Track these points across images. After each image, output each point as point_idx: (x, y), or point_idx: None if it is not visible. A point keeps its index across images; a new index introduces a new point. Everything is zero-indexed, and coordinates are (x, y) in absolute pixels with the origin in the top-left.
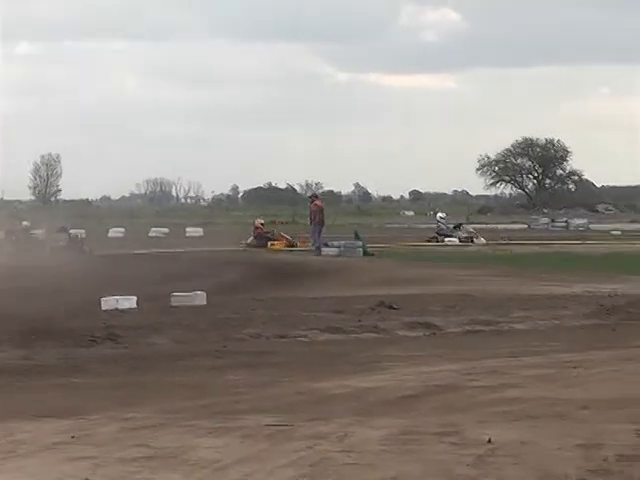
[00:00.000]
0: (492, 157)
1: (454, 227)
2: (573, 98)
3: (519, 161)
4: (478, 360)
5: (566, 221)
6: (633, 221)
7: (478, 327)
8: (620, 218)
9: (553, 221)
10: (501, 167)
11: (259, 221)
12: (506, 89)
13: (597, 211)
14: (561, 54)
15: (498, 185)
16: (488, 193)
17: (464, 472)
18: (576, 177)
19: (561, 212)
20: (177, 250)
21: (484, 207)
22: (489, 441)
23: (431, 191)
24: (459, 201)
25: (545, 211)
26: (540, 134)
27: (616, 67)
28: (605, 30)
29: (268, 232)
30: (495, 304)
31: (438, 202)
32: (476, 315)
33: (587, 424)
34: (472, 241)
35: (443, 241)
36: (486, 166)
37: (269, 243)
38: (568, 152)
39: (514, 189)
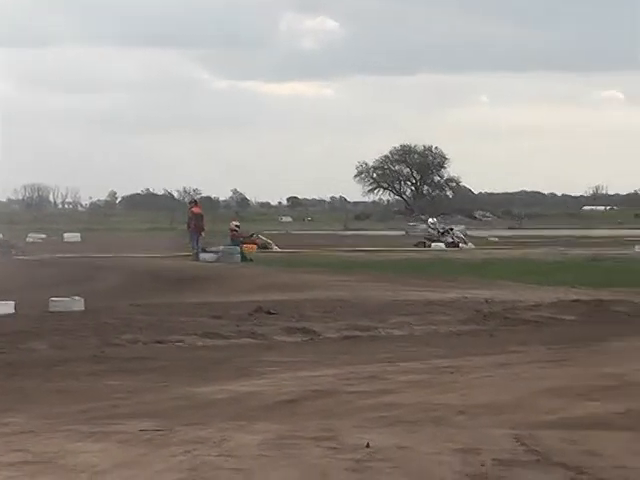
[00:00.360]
0: (370, 164)
1: (443, 232)
2: (451, 106)
3: (397, 168)
4: (356, 365)
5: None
6: (510, 227)
7: (356, 333)
8: (497, 224)
9: None
10: (379, 174)
11: (234, 224)
12: (384, 96)
13: (475, 217)
14: (440, 62)
15: (376, 191)
16: (366, 199)
17: (342, 477)
18: (454, 184)
19: (439, 218)
20: (60, 255)
21: (362, 213)
22: (367, 446)
23: (309, 197)
24: (337, 207)
25: (423, 217)
26: (418, 141)
27: (494, 76)
28: (485, 39)
29: (242, 235)
30: (373, 310)
31: (316, 208)
32: (354, 321)
33: (464, 429)
34: (458, 246)
35: (430, 246)
36: (364, 173)
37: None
38: (446, 159)
39: (392, 195)
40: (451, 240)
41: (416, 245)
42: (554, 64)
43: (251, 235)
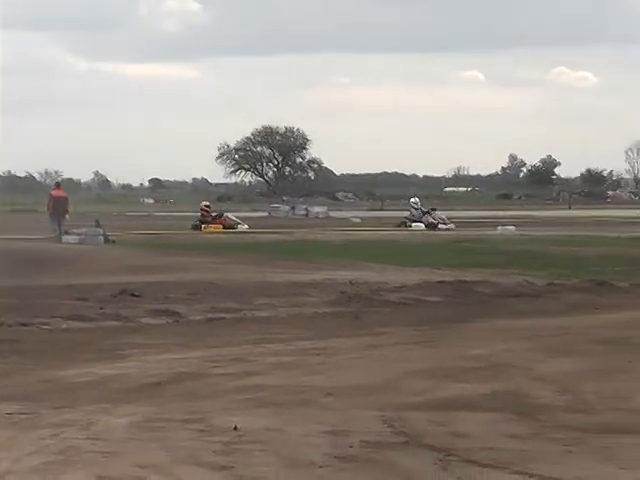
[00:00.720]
0: (232, 145)
1: (424, 213)
2: (314, 87)
3: (259, 149)
4: (221, 347)
5: (306, 209)
6: (372, 209)
7: (221, 314)
8: (360, 205)
9: (293, 209)
10: (241, 155)
11: (204, 204)
12: (247, 78)
13: (337, 199)
14: (303, 43)
15: (238, 173)
16: (228, 181)
17: (211, 459)
18: (316, 165)
19: (301, 200)
20: None
21: (224, 195)
22: (235, 428)
23: (171, 179)
24: (199, 189)
25: (285, 199)
26: (281, 122)
27: (355, 57)
28: (345, 19)
29: (208, 215)
30: (238, 292)
31: (178, 190)
32: (219, 303)
33: (332, 411)
34: (438, 227)
35: (411, 226)
36: (226, 154)
37: (202, 226)
38: (308, 140)
39: (254, 177)
40: (432, 220)
41: (398, 225)
42: (414, 45)
43: (220, 215)
